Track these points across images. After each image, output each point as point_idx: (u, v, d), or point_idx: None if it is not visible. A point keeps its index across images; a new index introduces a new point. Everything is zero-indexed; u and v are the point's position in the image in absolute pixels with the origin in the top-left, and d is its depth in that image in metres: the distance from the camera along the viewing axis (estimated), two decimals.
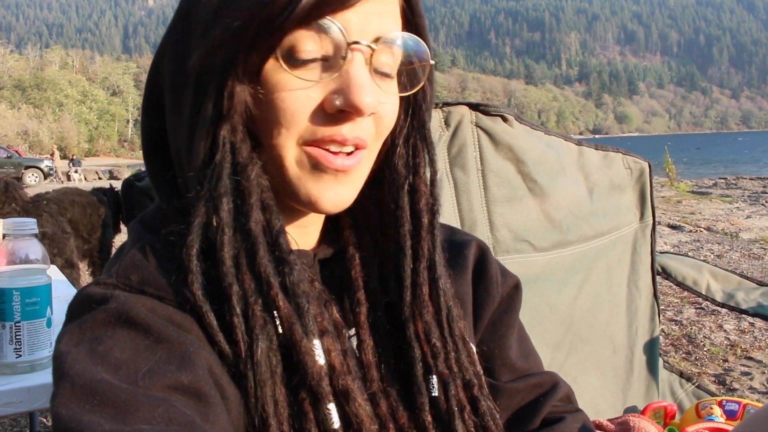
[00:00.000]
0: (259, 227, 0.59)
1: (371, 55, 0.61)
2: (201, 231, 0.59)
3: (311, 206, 0.64)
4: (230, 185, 0.60)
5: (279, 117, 0.60)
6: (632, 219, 1.79)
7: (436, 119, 1.49)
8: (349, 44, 0.59)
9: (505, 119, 1.53)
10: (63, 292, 1.55)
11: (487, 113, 1.51)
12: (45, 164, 25.57)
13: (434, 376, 0.66)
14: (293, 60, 0.59)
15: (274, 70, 0.59)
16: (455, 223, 1.43)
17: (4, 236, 1.14)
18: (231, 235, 0.59)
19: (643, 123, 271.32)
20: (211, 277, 0.59)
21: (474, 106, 1.52)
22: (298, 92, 0.59)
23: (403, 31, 0.65)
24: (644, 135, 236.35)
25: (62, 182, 25.59)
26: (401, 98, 0.69)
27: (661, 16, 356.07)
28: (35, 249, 1.14)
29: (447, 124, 1.49)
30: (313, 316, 0.59)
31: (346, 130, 0.60)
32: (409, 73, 0.67)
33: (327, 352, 0.59)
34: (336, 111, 0.59)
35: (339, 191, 0.63)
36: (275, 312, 0.58)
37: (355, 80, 0.59)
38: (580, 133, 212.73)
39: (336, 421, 0.57)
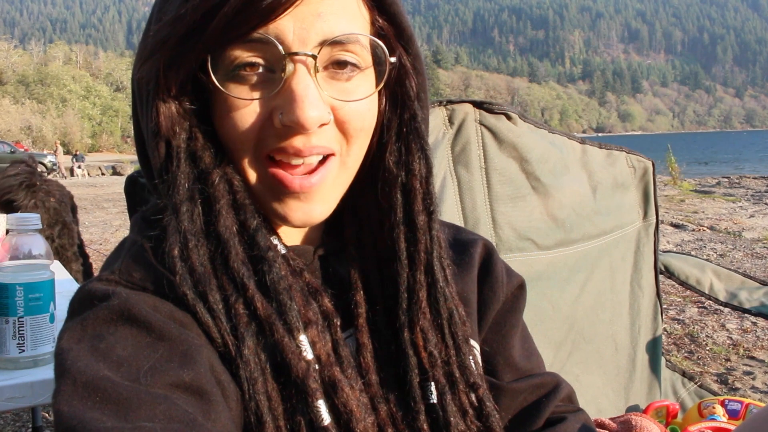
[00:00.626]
0: (229, 231, 0.59)
1: (315, 63, 0.58)
2: (178, 234, 0.58)
3: (282, 222, 0.63)
4: (194, 192, 0.59)
5: (230, 131, 0.59)
6: (635, 218, 1.79)
7: (439, 117, 1.48)
8: (286, 56, 0.57)
9: (508, 117, 1.53)
10: (66, 287, 1.55)
11: (490, 111, 1.51)
12: (48, 159, 25.63)
13: (432, 383, 0.65)
14: (235, 75, 0.58)
15: (216, 85, 0.58)
16: (458, 221, 1.43)
17: (7, 231, 1.14)
18: (197, 242, 0.58)
19: (647, 121, 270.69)
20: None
21: (478, 104, 1.51)
22: (243, 110, 0.58)
23: (374, 19, 0.63)
24: (648, 133, 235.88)
25: (65, 177, 25.66)
26: (386, 91, 0.67)
27: (665, 14, 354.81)
28: (38, 244, 1.14)
29: (451, 122, 1.49)
30: (297, 312, 0.58)
31: (299, 143, 0.59)
32: (376, 66, 0.64)
33: (312, 345, 0.58)
34: (283, 126, 0.58)
35: (306, 210, 0.62)
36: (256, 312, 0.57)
37: (296, 95, 0.56)
38: (584, 132, 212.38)
39: (326, 418, 0.56)
